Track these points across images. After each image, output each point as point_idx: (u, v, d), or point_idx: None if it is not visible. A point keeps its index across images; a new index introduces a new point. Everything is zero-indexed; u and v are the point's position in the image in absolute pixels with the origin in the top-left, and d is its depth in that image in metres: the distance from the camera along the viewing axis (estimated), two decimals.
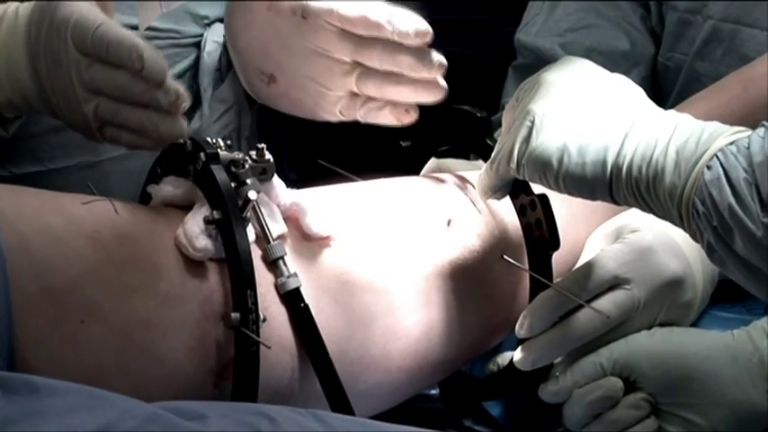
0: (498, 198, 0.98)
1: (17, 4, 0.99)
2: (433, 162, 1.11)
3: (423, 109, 1.03)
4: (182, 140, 0.94)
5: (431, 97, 0.99)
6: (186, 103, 0.94)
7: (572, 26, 1.38)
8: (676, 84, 1.35)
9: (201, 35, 1.32)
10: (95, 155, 0.97)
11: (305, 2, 1.00)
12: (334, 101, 1.01)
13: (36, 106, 0.99)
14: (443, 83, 0.99)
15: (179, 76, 1.28)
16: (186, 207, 0.93)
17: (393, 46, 0.97)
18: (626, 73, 1.34)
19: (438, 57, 0.97)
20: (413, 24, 0.96)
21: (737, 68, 1.20)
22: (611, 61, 1.35)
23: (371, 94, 1.00)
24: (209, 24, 1.31)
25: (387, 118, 1.01)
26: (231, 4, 1.08)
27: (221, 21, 1.30)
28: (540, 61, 1.35)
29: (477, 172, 1.08)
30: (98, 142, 0.97)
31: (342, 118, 1.03)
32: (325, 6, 0.99)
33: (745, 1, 1.27)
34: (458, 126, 1.05)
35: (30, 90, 0.97)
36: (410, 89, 0.98)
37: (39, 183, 1.19)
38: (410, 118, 1.00)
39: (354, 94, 1.01)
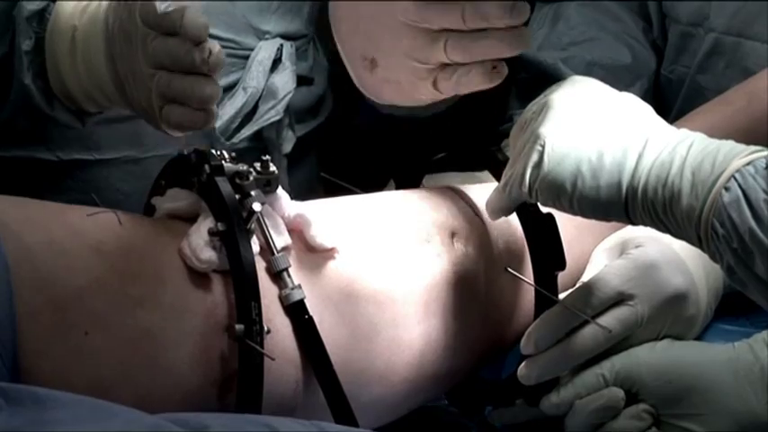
0: (507, 215, 0.98)
1: None
2: (428, 177, 1.11)
3: (434, 119, 1.03)
4: (185, 151, 0.94)
5: (518, 46, 0.96)
6: (221, 62, 0.95)
7: (574, 40, 1.39)
8: (679, 97, 1.35)
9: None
10: (140, 151, 0.99)
11: None
12: (427, 75, 0.99)
13: (110, 95, 1.01)
14: (528, 32, 0.96)
15: (230, 86, 1.28)
16: (191, 219, 0.92)
17: (476, 1, 0.95)
18: (628, 86, 1.36)
19: (520, 2, 0.95)
20: None
21: (740, 81, 1.21)
22: (614, 74, 1.36)
23: (459, 58, 0.97)
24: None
25: (476, 80, 0.97)
26: None
27: (282, 37, 1.31)
28: (543, 76, 1.36)
29: (477, 185, 1.08)
30: (159, 128, 0.98)
31: (438, 95, 1.01)
32: None
33: (746, 14, 1.27)
34: (465, 135, 1.05)
35: (105, 78, 1.00)
36: (497, 41, 0.95)
37: (83, 171, 1.22)
38: (500, 75, 0.97)
39: (446, 66, 0.99)
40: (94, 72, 1.02)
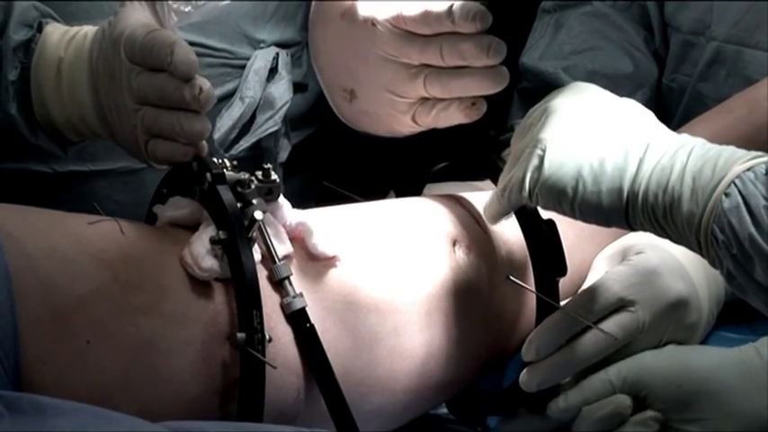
0: (506, 219, 0.98)
1: (88, 27, 1.02)
2: (429, 187, 1.11)
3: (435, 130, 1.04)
4: (187, 159, 0.94)
5: (494, 85, 0.98)
6: (212, 100, 0.95)
7: (575, 49, 1.39)
8: (680, 105, 1.35)
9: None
10: (137, 162, 0.98)
11: (372, 5, 1.01)
12: (407, 108, 1.02)
13: (93, 127, 1.01)
14: (505, 70, 0.98)
15: (226, 96, 1.28)
16: (192, 227, 0.93)
17: (455, 38, 0.97)
18: (630, 95, 1.34)
19: (497, 41, 0.97)
20: (470, 11, 0.96)
21: (741, 90, 1.21)
22: (615, 83, 1.36)
23: (438, 94, 1.00)
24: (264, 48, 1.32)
25: (455, 116, 1.01)
26: (311, 21, 1.10)
27: (277, 45, 1.31)
28: (545, 85, 1.36)
29: (477, 193, 1.08)
30: (145, 162, 0.99)
31: (416, 128, 1.04)
32: (392, 11, 1.00)
33: (747, 23, 1.28)
34: (466, 145, 1.06)
35: (88, 110, 1.00)
36: (473, 80, 0.98)
37: (79, 182, 1.22)
38: (478, 111, 1.00)
39: (425, 100, 1.01)
40: (78, 104, 1.01)
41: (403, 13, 0.99)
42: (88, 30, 1.02)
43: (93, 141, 1.08)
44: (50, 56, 1.02)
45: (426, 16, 0.98)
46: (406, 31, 1.00)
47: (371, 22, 1.01)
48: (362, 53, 1.02)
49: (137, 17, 0.97)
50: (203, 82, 0.94)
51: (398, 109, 1.02)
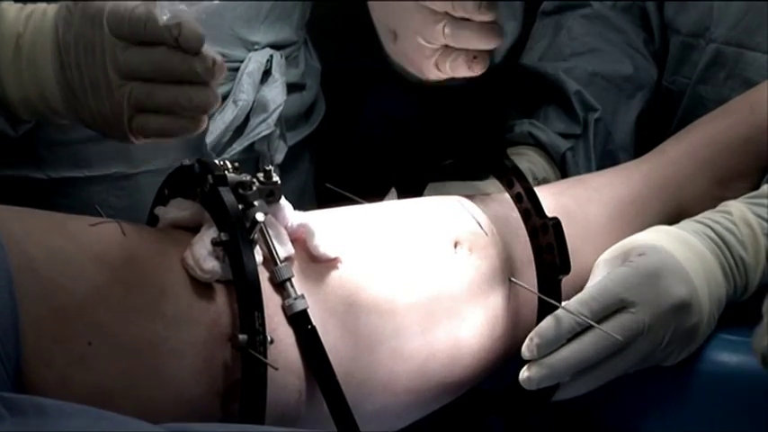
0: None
1: (44, 4, 1.00)
2: (432, 186, 1.12)
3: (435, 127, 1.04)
4: (188, 161, 0.94)
5: (486, 41, 1.02)
6: (223, 72, 0.94)
7: (575, 51, 1.39)
8: (680, 107, 1.35)
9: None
10: (132, 167, 0.97)
11: None
12: (431, 54, 1.05)
13: (54, 105, 0.99)
14: (499, 28, 1.02)
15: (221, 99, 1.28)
16: (194, 229, 0.93)
17: None
18: (629, 97, 1.37)
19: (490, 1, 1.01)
20: None
21: (741, 92, 1.21)
22: (615, 85, 1.36)
23: (450, 42, 1.04)
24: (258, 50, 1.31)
25: (461, 67, 1.04)
26: None
27: (272, 46, 1.31)
28: (545, 86, 1.36)
29: (480, 194, 1.08)
30: (124, 138, 0.97)
31: (440, 75, 1.07)
32: None
33: (747, 25, 1.28)
34: (469, 143, 1.06)
35: (51, 87, 0.98)
36: (471, 33, 1.02)
37: (74, 188, 1.21)
38: (478, 66, 1.04)
39: (446, 47, 1.05)
40: (39, 81, 0.99)
41: None
42: (45, 6, 1.00)
43: (48, 121, 1.05)
44: (7, 32, 0.99)
45: None
46: None
47: None
48: None
49: None
50: (214, 54, 0.93)
51: (425, 54, 1.06)
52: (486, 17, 1.01)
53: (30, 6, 1.00)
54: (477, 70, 1.04)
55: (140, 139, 0.97)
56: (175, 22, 0.91)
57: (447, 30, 1.03)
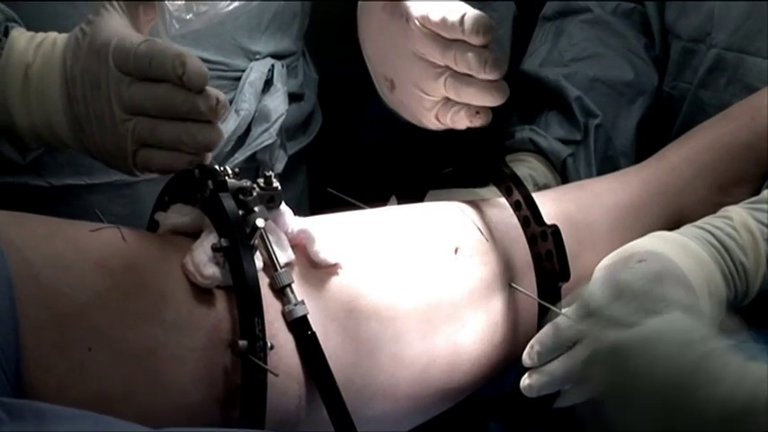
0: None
1: (55, 34, 1.00)
2: (431, 193, 1.12)
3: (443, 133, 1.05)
4: (192, 167, 0.94)
5: (491, 99, 1.01)
6: (226, 110, 0.94)
7: (576, 56, 1.39)
8: (680, 113, 1.35)
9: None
10: (133, 175, 0.97)
11: (407, 3, 1.03)
12: (431, 106, 1.05)
13: (62, 135, 0.99)
14: (504, 86, 1.01)
15: None
16: (194, 235, 0.93)
17: (465, 46, 1.00)
18: (630, 102, 1.37)
19: (497, 58, 0.99)
20: (477, 23, 0.98)
21: (741, 97, 1.21)
22: (616, 91, 1.36)
23: (453, 96, 1.03)
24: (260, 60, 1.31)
25: (463, 120, 1.04)
26: (359, 8, 1.12)
27: (273, 56, 1.31)
28: (545, 92, 1.36)
29: (480, 200, 1.08)
30: (129, 172, 0.98)
31: (439, 126, 1.06)
32: (421, 10, 1.02)
33: (748, 30, 1.28)
34: (469, 151, 1.06)
35: (59, 118, 0.98)
36: (476, 90, 1.01)
37: (75, 196, 1.21)
38: (481, 120, 1.03)
39: (447, 100, 1.04)
40: (47, 111, 0.99)
41: (429, 15, 1.01)
42: (56, 36, 1.00)
43: (57, 150, 1.07)
44: (17, 61, 1.00)
45: (444, 22, 1.00)
46: (432, 32, 1.02)
47: (406, 19, 1.04)
48: (399, 47, 1.05)
49: (117, 26, 0.96)
50: (217, 93, 0.93)
51: (425, 105, 1.05)
52: (491, 76, 0.99)
53: (40, 36, 1.01)
54: (478, 124, 1.03)
55: (144, 173, 0.98)
56: (180, 61, 0.91)
57: (449, 84, 1.02)
